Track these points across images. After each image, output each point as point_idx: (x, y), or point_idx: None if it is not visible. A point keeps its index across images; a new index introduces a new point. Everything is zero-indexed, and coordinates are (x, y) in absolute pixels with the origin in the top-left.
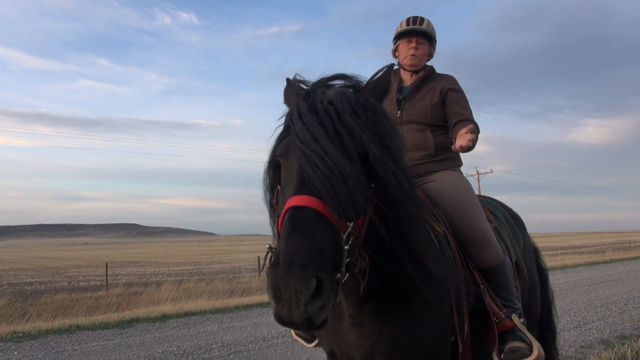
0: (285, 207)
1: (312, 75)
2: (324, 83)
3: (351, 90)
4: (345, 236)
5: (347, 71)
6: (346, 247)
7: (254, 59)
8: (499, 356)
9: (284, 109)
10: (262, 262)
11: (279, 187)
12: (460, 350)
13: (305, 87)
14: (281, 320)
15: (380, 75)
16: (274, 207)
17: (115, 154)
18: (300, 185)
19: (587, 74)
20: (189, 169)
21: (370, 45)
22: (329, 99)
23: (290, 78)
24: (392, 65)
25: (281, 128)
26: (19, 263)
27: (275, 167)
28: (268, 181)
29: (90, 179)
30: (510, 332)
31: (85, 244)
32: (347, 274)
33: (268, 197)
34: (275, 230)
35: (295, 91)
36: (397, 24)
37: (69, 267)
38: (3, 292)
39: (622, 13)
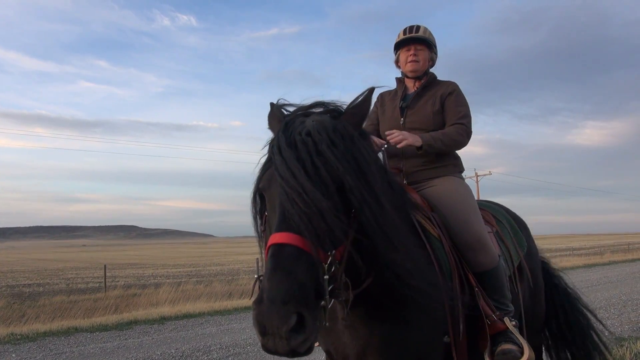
0: (268, 244)
1: (311, 77)
2: (304, 111)
3: (329, 117)
4: (327, 265)
5: (327, 97)
6: (326, 276)
7: (253, 60)
8: (491, 357)
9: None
10: (252, 291)
11: (266, 213)
12: (454, 350)
13: (286, 112)
14: (268, 350)
15: (360, 102)
16: (262, 234)
17: (114, 156)
18: (281, 222)
19: (585, 77)
20: (188, 171)
21: (368, 47)
22: (307, 130)
23: (274, 102)
24: (372, 89)
25: (265, 157)
26: (17, 265)
27: (261, 197)
28: (255, 209)
29: (89, 181)
30: (502, 334)
31: (84, 245)
32: (332, 300)
33: (257, 223)
34: (264, 260)
35: (277, 117)
36: (394, 26)
37: (67, 269)
38: (1, 294)
39: (620, 16)
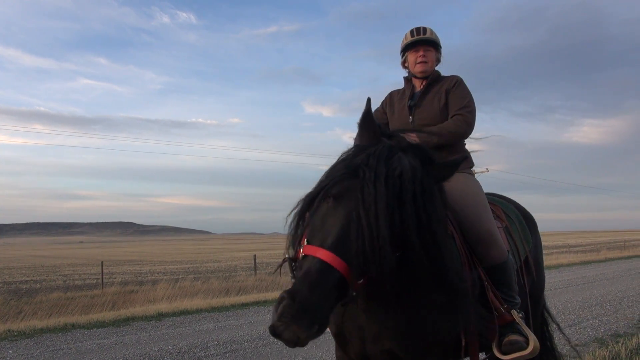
0: (315, 254)
1: (311, 74)
2: (402, 146)
3: (420, 163)
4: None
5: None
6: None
7: (252, 58)
8: (499, 348)
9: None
10: (279, 267)
11: (319, 204)
12: (463, 340)
13: (382, 131)
14: (274, 332)
15: (451, 162)
16: (304, 218)
17: (112, 153)
18: (338, 244)
19: (583, 75)
20: (187, 168)
21: (367, 45)
22: (400, 172)
23: (371, 99)
24: (466, 157)
25: (349, 154)
26: (14, 261)
27: (323, 197)
28: (311, 199)
29: (87, 178)
30: (509, 326)
31: (81, 242)
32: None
33: (303, 207)
34: (293, 242)
35: (373, 129)
36: (393, 25)
37: (64, 266)
38: None
39: (617, 15)
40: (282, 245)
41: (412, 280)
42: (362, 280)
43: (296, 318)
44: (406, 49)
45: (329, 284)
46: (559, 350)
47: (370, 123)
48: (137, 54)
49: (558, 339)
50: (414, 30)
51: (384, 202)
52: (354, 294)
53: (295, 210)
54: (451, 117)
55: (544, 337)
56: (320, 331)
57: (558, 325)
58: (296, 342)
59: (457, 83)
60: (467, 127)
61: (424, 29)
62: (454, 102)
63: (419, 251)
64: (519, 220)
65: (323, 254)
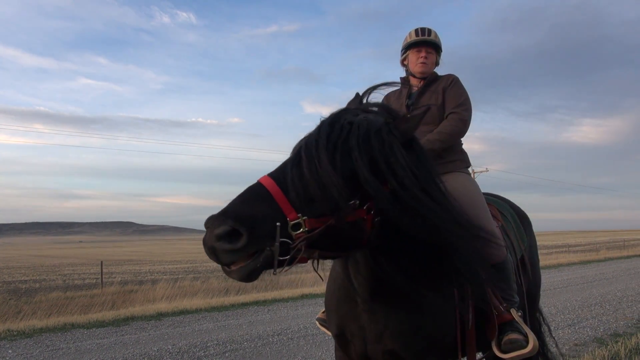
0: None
1: (310, 74)
2: (365, 108)
3: (382, 119)
4: (292, 223)
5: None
6: (278, 223)
7: (252, 57)
8: (498, 346)
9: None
10: None
11: None
12: (459, 339)
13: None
14: (204, 243)
15: (414, 116)
16: None
17: (112, 152)
18: (275, 172)
19: (582, 75)
20: (186, 167)
21: (367, 45)
22: (351, 120)
23: (359, 93)
24: (429, 108)
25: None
26: (14, 261)
27: None
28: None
29: (87, 177)
30: (509, 324)
31: (80, 242)
32: (287, 257)
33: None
34: None
35: (350, 105)
36: (393, 25)
37: (63, 265)
38: None
39: (616, 15)
40: None
41: (411, 274)
42: (316, 223)
43: (217, 220)
44: (409, 47)
45: (254, 194)
46: (551, 350)
47: (353, 103)
48: (137, 54)
49: (558, 339)
50: (419, 30)
51: (324, 138)
52: (300, 231)
53: None
54: (446, 116)
55: (537, 336)
56: (240, 240)
57: (548, 327)
58: (212, 240)
59: (453, 82)
60: (463, 125)
61: (429, 31)
62: (450, 100)
63: (373, 187)
64: (514, 220)
65: (260, 179)
